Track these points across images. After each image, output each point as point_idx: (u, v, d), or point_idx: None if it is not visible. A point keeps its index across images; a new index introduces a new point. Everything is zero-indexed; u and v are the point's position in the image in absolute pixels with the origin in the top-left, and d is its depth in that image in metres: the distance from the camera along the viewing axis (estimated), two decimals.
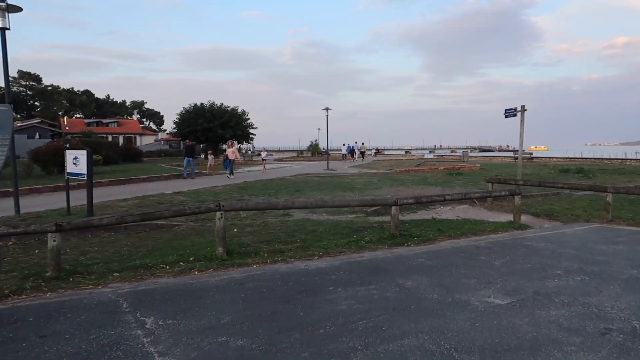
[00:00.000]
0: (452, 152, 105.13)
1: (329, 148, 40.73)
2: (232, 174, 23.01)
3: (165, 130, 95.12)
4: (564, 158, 44.33)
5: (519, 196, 9.95)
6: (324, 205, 7.86)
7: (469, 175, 23.08)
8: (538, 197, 13.63)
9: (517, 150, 15.90)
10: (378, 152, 71.60)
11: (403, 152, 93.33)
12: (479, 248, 7.46)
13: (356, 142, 52.63)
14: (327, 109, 33.19)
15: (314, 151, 59.13)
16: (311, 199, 8.70)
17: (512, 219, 9.98)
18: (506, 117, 14.30)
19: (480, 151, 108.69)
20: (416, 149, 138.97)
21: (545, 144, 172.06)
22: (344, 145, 51.61)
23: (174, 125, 55.39)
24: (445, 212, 11.65)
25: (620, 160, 38.41)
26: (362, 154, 50.03)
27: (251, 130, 55.49)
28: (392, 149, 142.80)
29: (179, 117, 53.38)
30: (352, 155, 48.97)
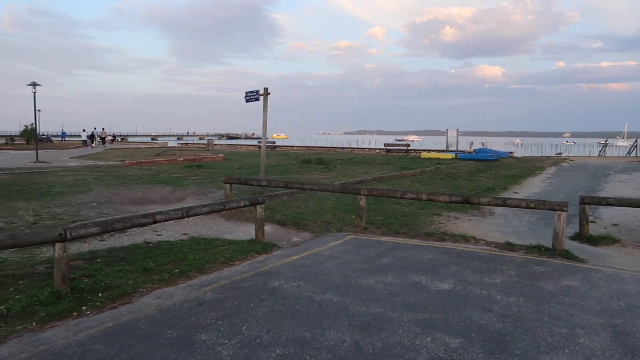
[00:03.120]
0: (200, 139, 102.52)
1: (53, 133, 32.99)
2: None
3: None
4: (303, 147, 46.46)
5: (262, 205, 7.54)
6: None
7: (211, 168, 20.44)
8: (284, 197, 11.75)
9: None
10: (115, 139, 63.21)
11: (149, 139, 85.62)
12: (201, 307, 4.58)
13: (95, 128, 48.30)
14: (34, 84, 25.84)
15: (30, 137, 47.72)
16: None
17: (254, 236, 7.53)
18: (247, 101, 11.96)
19: (227, 138, 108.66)
20: (164, 136, 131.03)
21: (286, 132, 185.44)
22: (84, 131, 45.12)
23: None
24: (169, 227, 8.52)
25: (350, 149, 41.96)
26: (103, 139, 47.40)
27: None
28: (138, 135, 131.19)
29: None
30: (92, 142, 44.76)
